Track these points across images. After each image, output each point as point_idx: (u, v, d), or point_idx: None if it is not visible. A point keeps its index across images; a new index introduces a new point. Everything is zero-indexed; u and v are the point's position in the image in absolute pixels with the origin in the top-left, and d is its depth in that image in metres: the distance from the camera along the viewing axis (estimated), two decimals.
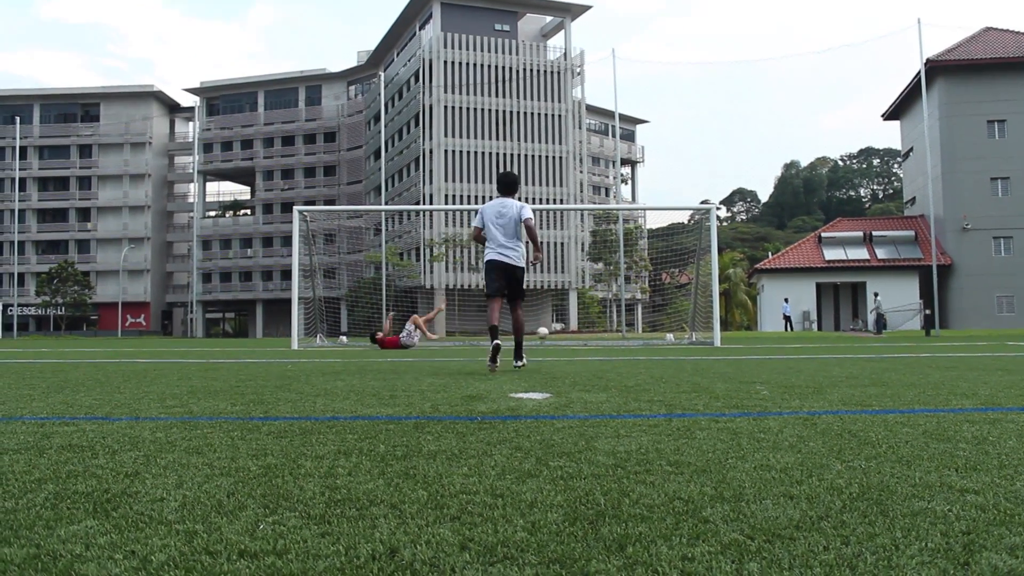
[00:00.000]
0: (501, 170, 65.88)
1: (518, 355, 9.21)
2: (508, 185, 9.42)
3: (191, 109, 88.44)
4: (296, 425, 4.12)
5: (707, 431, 3.77)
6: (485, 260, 9.24)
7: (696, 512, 2.17)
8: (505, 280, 9.20)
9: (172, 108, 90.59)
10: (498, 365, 8.62)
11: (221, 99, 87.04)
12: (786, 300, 49.54)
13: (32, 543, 1.91)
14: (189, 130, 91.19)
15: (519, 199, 9.52)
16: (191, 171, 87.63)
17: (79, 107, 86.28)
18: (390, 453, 3.18)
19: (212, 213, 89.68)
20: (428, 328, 19.35)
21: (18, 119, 70.66)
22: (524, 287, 9.42)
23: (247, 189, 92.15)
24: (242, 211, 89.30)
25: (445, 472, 2.76)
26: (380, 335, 19.25)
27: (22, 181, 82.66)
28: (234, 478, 2.68)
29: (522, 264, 9.27)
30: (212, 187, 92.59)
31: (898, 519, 2.09)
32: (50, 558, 1.78)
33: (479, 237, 9.37)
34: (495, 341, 8.89)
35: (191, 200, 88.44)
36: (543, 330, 28.00)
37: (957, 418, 4.26)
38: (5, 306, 71.21)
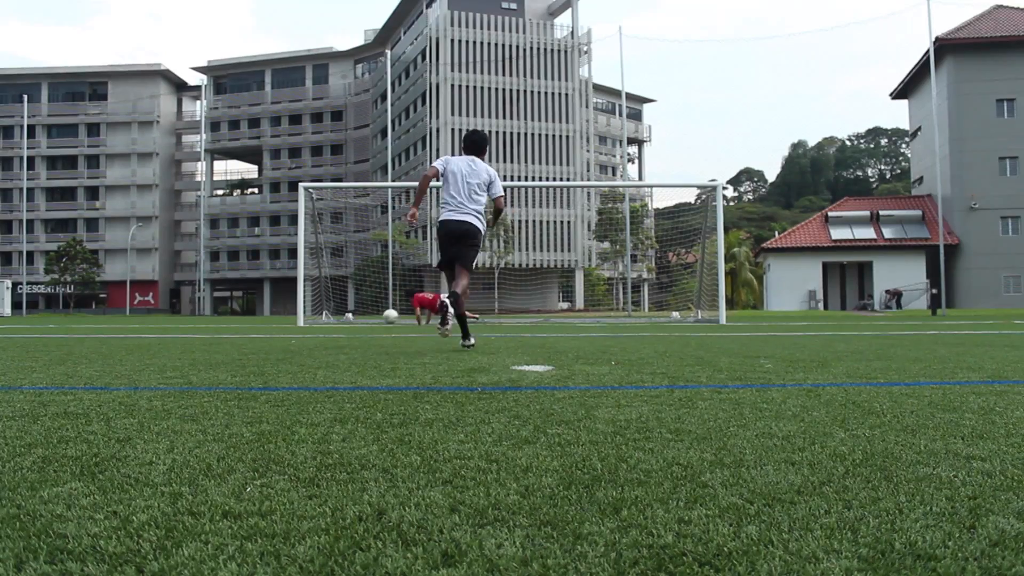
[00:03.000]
0: (508, 148, 65.69)
1: (465, 333, 8.21)
2: (478, 144, 8.19)
3: (198, 88, 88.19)
4: (294, 395, 4.08)
5: (709, 401, 3.72)
6: (444, 220, 7.89)
7: (695, 477, 2.12)
8: (465, 243, 7.91)
9: (179, 87, 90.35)
10: (449, 327, 7.68)
11: (228, 78, 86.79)
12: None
13: (13, 504, 1.87)
14: (196, 109, 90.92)
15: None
16: (198, 150, 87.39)
17: (87, 85, 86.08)
18: (386, 421, 3.13)
19: (219, 192, 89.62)
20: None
21: (26, 97, 70.47)
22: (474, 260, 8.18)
23: (254, 168, 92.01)
24: (249, 190, 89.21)
25: (440, 439, 2.72)
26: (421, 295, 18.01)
27: (30, 160, 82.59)
28: (226, 443, 2.64)
29: (484, 229, 8.07)
30: (219, 166, 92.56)
31: (902, 484, 2.04)
32: (29, 517, 1.74)
33: (427, 183, 7.95)
34: (443, 298, 7.81)
35: (198, 179, 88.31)
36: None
37: (963, 390, 4.20)
38: (14, 284, 71.40)
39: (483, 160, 8.18)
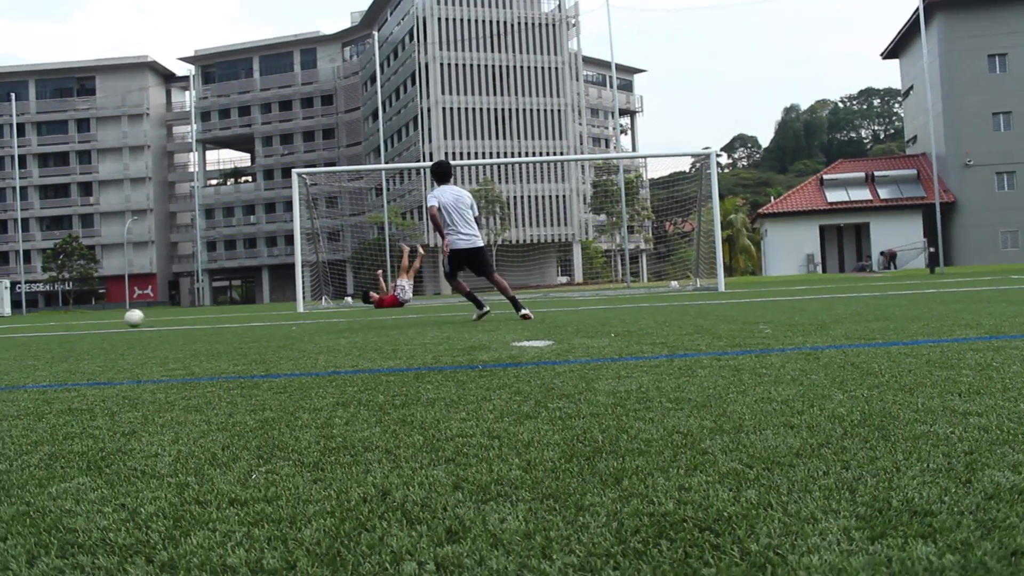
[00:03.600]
0: (501, 125, 65.48)
1: (518, 306, 9.33)
2: (448, 172, 9.82)
3: (186, 78, 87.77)
4: (296, 381, 4.10)
5: (708, 369, 3.74)
6: (454, 247, 9.62)
7: (695, 444, 2.14)
8: (478, 260, 9.75)
9: (167, 78, 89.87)
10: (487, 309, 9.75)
11: (216, 67, 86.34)
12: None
13: (23, 501, 1.89)
14: (186, 99, 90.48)
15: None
16: (190, 140, 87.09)
17: (75, 81, 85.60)
18: (388, 402, 3.15)
19: (213, 181, 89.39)
20: (411, 273, 18.09)
21: (13, 95, 70.08)
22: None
23: (247, 156, 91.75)
24: (243, 178, 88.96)
25: (443, 418, 2.74)
26: (375, 295, 18.33)
27: (22, 158, 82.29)
28: (230, 432, 2.66)
29: (482, 239, 9.89)
30: (212, 155, 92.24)
31: (899, 443, 2.06)
32: (39, 514, 1.77)
33: (438, 219, 9.59)
34: (473, 296, 9.87)
35: (191, 170, 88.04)
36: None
37: (961, 347, 4.23)
38: (13, 283, 71.34)
39: (450, 183, 9.84)
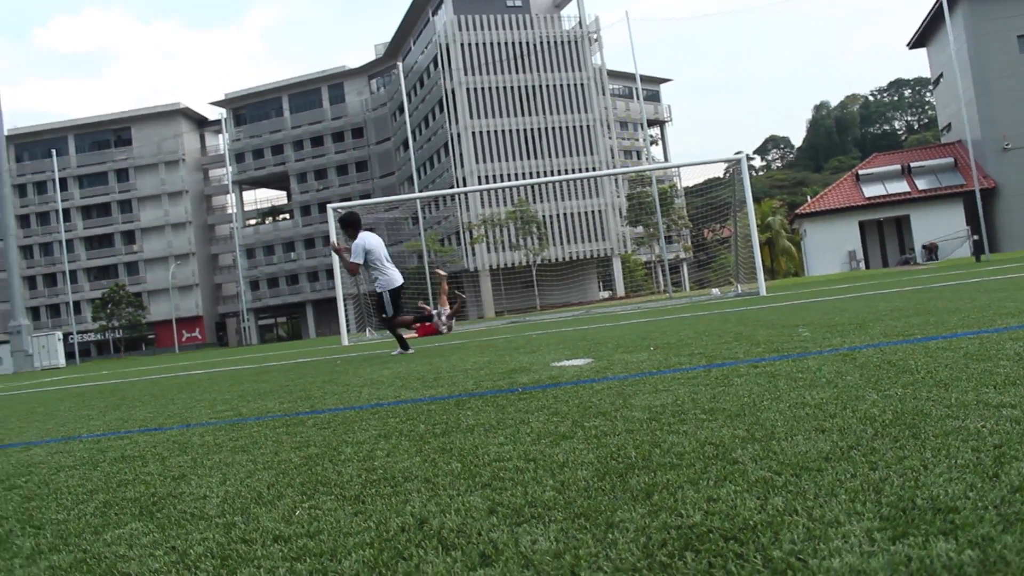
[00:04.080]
0: (531, 145, 65.67)
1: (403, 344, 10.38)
2: (355, 224, 10.49)
3: (219, 122, 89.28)
4: (340, 416, 4.18)
5: (745, 377, 3.76)
6: (396, 284, 10.48)
7: (726, 455, 2.17)
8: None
9: (200, 123, 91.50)
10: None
11: (247, 108, 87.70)
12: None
13: (79, 548, 1.97)
14: (219, 142, 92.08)
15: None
16: (226, 183, 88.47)
17: (111, 132, 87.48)
18: (429, 431, 3.21)
19: (252, 221, 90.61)
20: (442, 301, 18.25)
21: (54, 152, 71.74)
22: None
23: (283, 194, 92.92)
24: (281, 216, 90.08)
25: (481, 444, 2.79)
26: (426, 312, 18.45)
27: (66, 211, 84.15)
28: (276, 470, 2.74)
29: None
30: (249, 196, 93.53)
31: (929, 440, 2.08)
32: (95, 560, 1.85)
33: (357, 271, 10.60)
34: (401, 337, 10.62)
35: (230, 211, 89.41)
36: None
37: (1001, 337, 4.20)
38: (65, 334, 72.71)
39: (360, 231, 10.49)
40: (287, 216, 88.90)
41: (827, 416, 2.54)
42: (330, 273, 76.78)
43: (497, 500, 1.97)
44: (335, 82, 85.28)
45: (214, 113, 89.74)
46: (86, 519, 2.31)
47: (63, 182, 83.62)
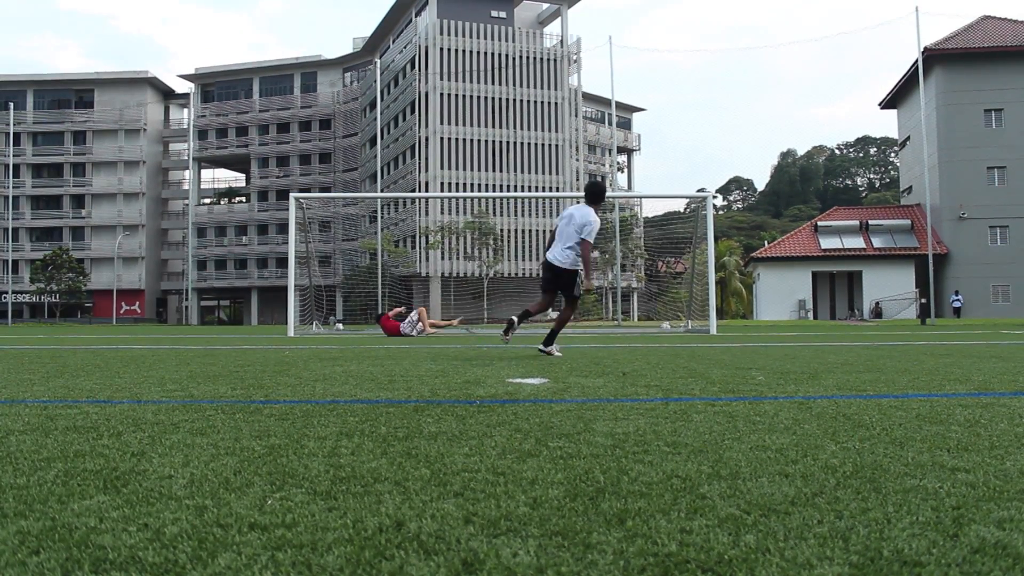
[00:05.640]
0: (498, 157, 65.86)
1: (548, 341, 9.38)
2: (594, 195, 9.49)
3: (186, 96, 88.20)
4: (297, 408, 4.17)
5: (704, 414, 3.83)
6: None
7: (693, 489, 2.22)
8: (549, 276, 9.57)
9: (167, 95, 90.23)
10: (509, 338, 9.84)
11: (216, 86, 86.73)
12: (956, 292, 48.77)
13: (47, 516, 1.96)
14: (184, 117, 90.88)
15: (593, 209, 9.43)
16: (186, 158, 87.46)
17: (73, 93, 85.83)
18: (391, 434, 3.23)
19: (207, 200, 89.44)
20: (431, 326, 18.83)
21: (11, 104, 70.26)
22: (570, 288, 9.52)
23: (242, 176, 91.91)
24: (237, 198, 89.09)
25: (447, 452, 2.82)
26: (387, 314, 18.87)
27: (16, 167, 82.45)
28: (239, 457, 2.73)
29: (567, 267, 9.35)
30: (207, 174, 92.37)
31: (890, 495, 2.15)
32: (66, 530, 1.84)
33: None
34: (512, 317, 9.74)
35: (186, 187, 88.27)
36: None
37: (950, 402, 4.32)
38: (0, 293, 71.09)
39: (594, 206, 9.46)
40: (243, 199, 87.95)
41: (789, 461, 2.61)
42: (279, 261, 76.22)
43: (472, 510, 1.99)
44: (309, 71, 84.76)
45: (182, 86, 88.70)
46: (48, 487, 2.29)
47: (16, 137, 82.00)
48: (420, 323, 18.29)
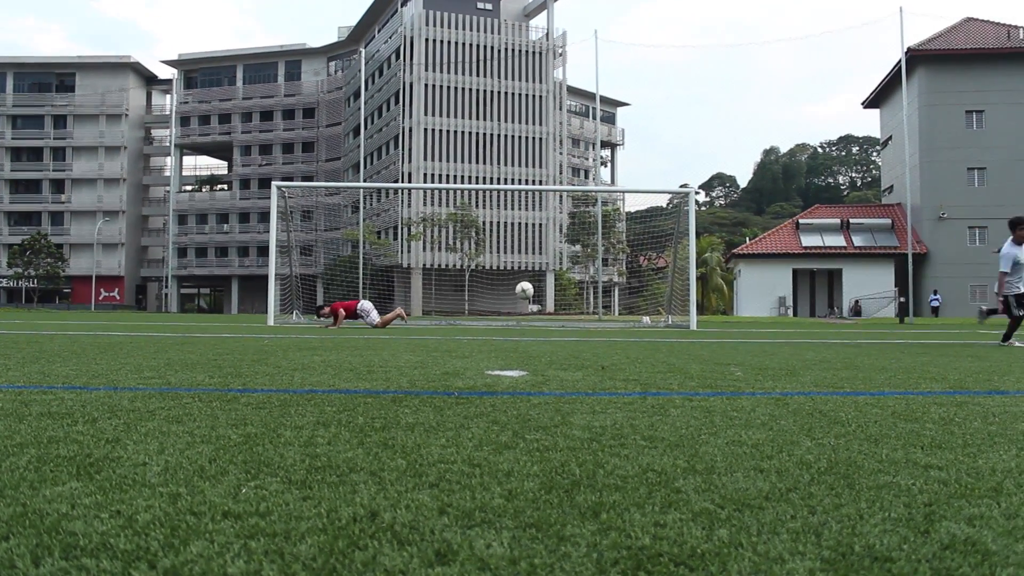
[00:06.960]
0: (481, 149, 65.78)
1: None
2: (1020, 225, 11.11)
3: (169, 81, 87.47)
4: (274, 397, 4.16)
5: (681, 409, 3.84)
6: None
7: (669, 483, 2.23)
8: None
9: (149, 80, 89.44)
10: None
11: (199, 72, 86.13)
12: (935, 291, 49.13)
13: (18, 502, 1.94)
14: (166, 103, 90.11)
15: None
16: (168, 144, 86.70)
17: (54, 76, 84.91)
18: (368, 425, 3.22)
19: (188, 187, 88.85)
20: (383, 321, 18.51)
21: None
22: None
23: (224, 164, 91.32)
24: (219, 186, 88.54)
25: (423, 443, 2.81)
26: (326, 309, 18.92)
27: None
28: (215, 445, 2.72)
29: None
30: (189, 161, 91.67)
31: (863, 492, 2.16)
32: (37, 515, 1.82)
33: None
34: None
35: (167, 174, 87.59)
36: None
37: (926, 400, 4.36)
38: None
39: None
40: (225, 187, 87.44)
41: (764, 457, 2.62)
42: (260, 250, 75.90)
43: (447, 501, 1.99)
44: (293, 59, 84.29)
45: (165, 72, 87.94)
46: (20, 472, 2.27)
47: None
48: (372, 314, 18.07)
